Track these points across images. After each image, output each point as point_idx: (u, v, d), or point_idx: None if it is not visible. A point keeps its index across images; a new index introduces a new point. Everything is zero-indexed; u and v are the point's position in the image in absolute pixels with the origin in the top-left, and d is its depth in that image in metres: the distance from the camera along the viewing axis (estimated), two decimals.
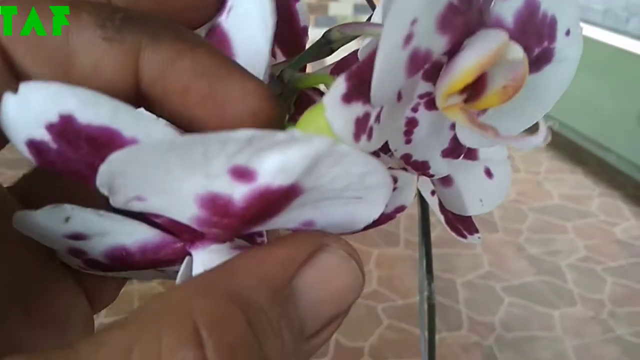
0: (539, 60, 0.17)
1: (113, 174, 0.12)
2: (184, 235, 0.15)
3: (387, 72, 0.13)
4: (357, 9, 2.27)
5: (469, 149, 0.28)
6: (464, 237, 0.29)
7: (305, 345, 0.13)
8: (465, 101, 0.15)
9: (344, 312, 0.14)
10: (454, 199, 0.28)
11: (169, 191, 0.13)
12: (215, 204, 0.13)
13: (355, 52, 0.20)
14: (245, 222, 0.14)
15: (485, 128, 0.15)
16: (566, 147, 2.22)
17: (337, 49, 0.20)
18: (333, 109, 0.13)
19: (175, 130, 0.12)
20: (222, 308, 0.11)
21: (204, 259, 0.15)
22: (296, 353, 0.12)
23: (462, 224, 0.29)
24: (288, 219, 0.14)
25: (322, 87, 0.20)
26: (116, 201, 0.13)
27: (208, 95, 0.13)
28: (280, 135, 0.11)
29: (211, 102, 0.13)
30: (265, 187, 0.12)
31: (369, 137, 0.14)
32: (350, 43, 0.20)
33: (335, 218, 0.15)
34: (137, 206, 0.13)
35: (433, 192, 0.31)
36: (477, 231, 0.29)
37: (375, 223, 0.16)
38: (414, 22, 0.13)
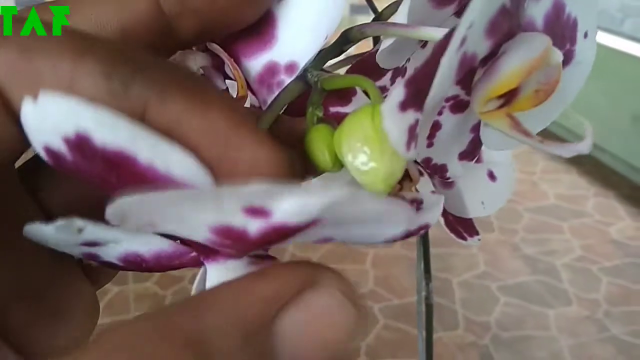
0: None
1: (121, 214, 0.12)
2: (199, 249, 0.15)
3: (446, 78, 0.13)
4: (354, 9, 2.27)
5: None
6: (464, 239, 0.29)
7: None
8: (503, 105, 0.15)
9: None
10: (455, 201, 0.28)
11: (182, 221, 0.12)
12: (229, 233, 0.12)
13: (372, 53, 0.19)
14: (260, 246, 0.13)
15: (529, 135, 0.14)
16: None
17: (347, 49, 0.20)
18: (391, 118, 0.13)
19: (193, 159, 0.12)
20: (174, 355, 0.10)
21: (218, 274, 0.14)
22: None
23: (462, 226, 0.29)
24: (306, 237, 0.14)
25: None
26: (128, 229, 0.13)
27: (217, 160, 0.12)
28: (295, 187, 0.11)
29: (221, 167, 0.12)
30: (281, 224, 0.12)
31: (416, 144, 0.14)
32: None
33: (355, 235, 0.14)
34: (149, 230, 0.13)
35: (433, 193, 0.31)
36: (477, 233, 0.29)
37: (397, 239, 0.15)
38: (471, 25, 0.12)
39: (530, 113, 0.17)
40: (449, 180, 0.21)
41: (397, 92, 0.12)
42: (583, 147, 0.15)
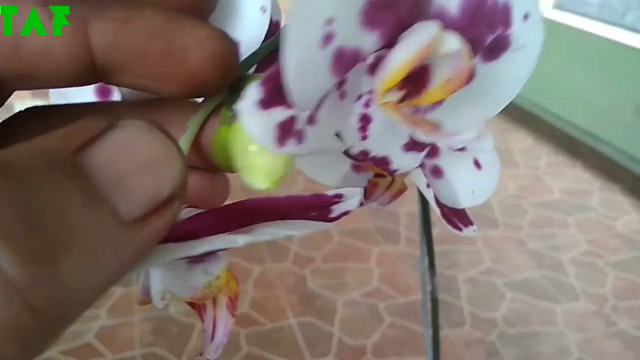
0: (494, 49, 0.16)
1: None
2: None
3: (305, 76, 0.13)
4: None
5: None
6: (460, 230, 0.29)
7: (129, 231, 0.11)
8: (408, 96, 0.15)
9: (170, 192, 0.12)
10: (446, 191, 0.28)
11: None
12: None
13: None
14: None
15: (420, 125, 0.15)
16: (564, 141, 2.22)
17: None
18: (248, 117, 0.13)
19: None
20: None
21: (161, 276, 0.16)
22: (114, 238, 0.11)
23: (456, 217, 0.29)
24: None
25: None
26: None
27: (166, 51, 0.13)
28: None
29: (171, 56, 0.13)
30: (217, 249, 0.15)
31: (299, 140, 0.14)
32: None
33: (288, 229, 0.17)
34: None
35: (429, 185, 0.31)
36: (471, 224, 0.29)
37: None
38: (329, 22, 0.13)
39: (472, 101, 0.17)
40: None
41: (252, 91, 0.13)
42: (469, 136, 0.15)
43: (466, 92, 0.16)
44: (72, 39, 0.13)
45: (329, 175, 0.20)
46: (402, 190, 0.32)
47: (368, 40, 0.14)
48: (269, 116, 0.13)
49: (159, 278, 0.16)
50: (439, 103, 0.17)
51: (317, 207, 0.17)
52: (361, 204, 0.34)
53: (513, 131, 2.30)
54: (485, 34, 0.15)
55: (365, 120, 0.18)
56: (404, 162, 0.20)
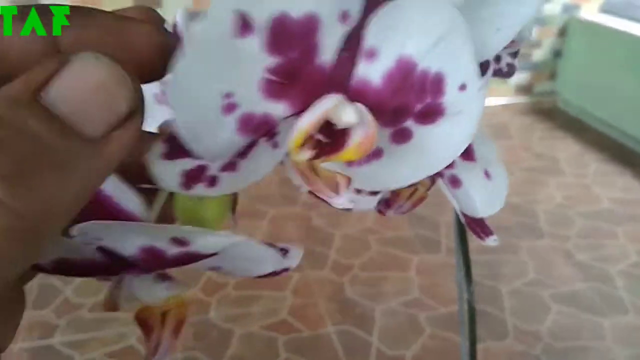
0: (427, 114, 0.17)
1: (84, 232, 0.16)
2: (121, 263, 0.19)
3: (206, 139, 0.15)
4: None
5: (466, 150, 0.28)
6: (482, 239, 0.29)
7: (96, 147, 0.14)
8: (322, 154, 0.16)
9: (126, 108, 0.14)
10: (465, 201, 0.28)
11: (122, 240, 0.17)
12: (152, 253, 0.17)
13: None
14: (171, 266, 0.18)
15: (310, 182, 0.17)
16: (613, 148, 2.15)
17: None
18: (155, 166, 0.16)
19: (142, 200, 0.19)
20: None
21: (132, 283, 0.19)
22: (82, 154, 0.13)
23: (478, 226, 0.29)
24: (203, 265, 0.18)
25: None
26: (79, 239, 0.17)
27: (119, 44, 0.16)
28: (211, 231, 0.17)
29: (123, 48, 0.16)
30: (195, 252, 0.17)
31: (211, 184, 0.17)
32: None
33: (237, 268, 0.20)
34: (94, 242, 0.17)
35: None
36: (492, 233, 0.29)
37: (268, 275, 0.20)
38: (228, 95, 0.15)
39: (406, 159, 0.18)
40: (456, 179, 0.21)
41: (156, 146, 0.16)
42: (338, 201, 0.16)
43: (404, 150, 0.18)
44: (45, 44, 0.15)
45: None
46: (423, 198, 0.32)
47: (276, 108, 0.16)
48: (174, 165, 0.16)
49: (128, 284, 0.19)
50: (376, 157, 0.19)
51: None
52: (382, 213, 0.34)
53: (560, 138, 2.24)
54: (413, 102, 0.17)
55: None
56: (361, 202, 0.21)
